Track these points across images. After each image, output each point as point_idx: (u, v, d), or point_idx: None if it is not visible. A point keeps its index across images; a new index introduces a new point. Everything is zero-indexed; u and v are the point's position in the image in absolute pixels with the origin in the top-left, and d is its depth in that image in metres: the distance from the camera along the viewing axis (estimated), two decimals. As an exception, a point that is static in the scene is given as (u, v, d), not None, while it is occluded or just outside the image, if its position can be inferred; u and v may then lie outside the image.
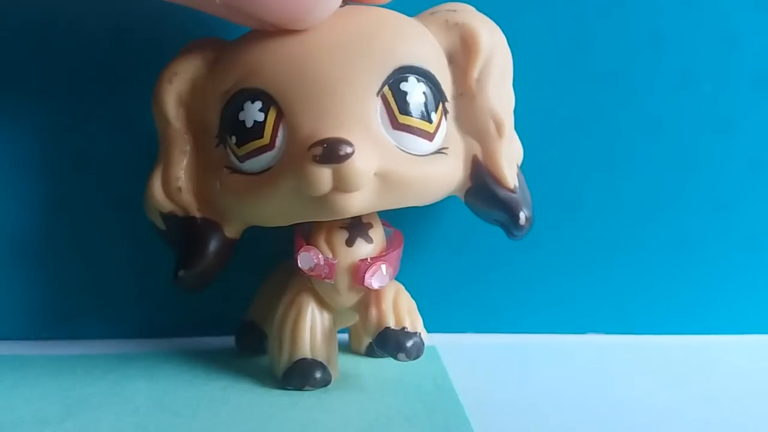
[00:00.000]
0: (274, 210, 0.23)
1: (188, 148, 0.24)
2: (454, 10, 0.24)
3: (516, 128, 0.25)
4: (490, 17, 0.24)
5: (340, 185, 0.21)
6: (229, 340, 0.29)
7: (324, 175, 0.21)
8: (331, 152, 0.21)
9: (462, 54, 0.24)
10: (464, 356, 0.28)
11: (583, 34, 0.29)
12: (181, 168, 0.24)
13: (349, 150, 0.21)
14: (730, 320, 0.31)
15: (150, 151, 0.25)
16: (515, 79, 0.25)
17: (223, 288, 0.29)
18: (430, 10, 0.24)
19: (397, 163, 0.22)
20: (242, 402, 0.23)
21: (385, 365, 0.27)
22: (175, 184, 0.24)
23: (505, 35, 0.24)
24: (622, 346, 0.30)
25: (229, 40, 0.24)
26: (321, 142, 0.21)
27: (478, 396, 0.24)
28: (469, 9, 0.24)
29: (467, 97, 0.24)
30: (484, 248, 0.30)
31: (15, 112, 0.28)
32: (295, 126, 0.22)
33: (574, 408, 0.24)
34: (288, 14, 0.21)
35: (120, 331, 0.30)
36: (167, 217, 0.25)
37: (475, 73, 0.24)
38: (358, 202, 0.22)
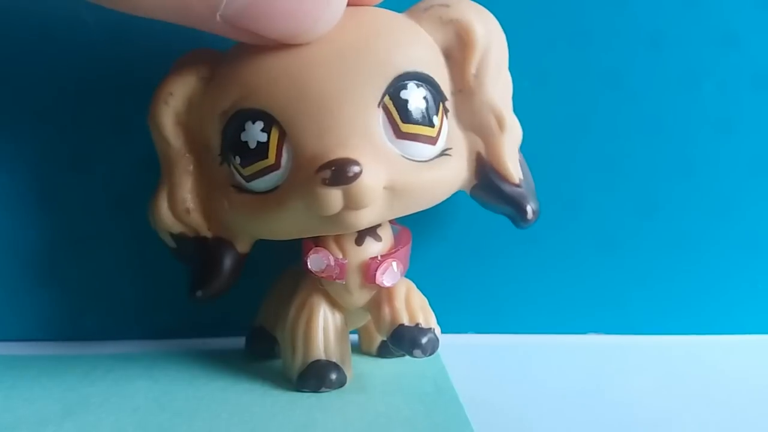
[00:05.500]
0: (285, 227, 0.23)
1: (191, 167, 0.24)
2: (447, 5, 0.23)
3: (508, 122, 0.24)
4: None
5: (351, 204, 0.21)
6: (229, 342, 0.29)
7: (334, 197, 0.21)
8: (340, 174, 0.20)
9: (458, 50, 0.23)
10: (464, 356, 0.28)
11: (583, 34, 0.29)
12: (187, 189, 0.24)
13: (357, 170, 0.20)
14: (730, 320, 0.31)
15: (151, 151, 0.25)
16: (515, 79, 0.25)
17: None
18: (422, 6, 0.24)
19: (404, 174, 0.22)
20: (242, 402, 0.23)
21: (385, 365, 0.27)
22: (182, 205, 0.24)
23: (505, 34, 0.24)
24: (622, 346, 0.30)
25: (221, 52, 0.24)
26: (328, 165, 0.21)
27: (478, 396, 0.24)
28: (464, 2, 0.24)
29: (466, 93, 0.24)
30: (484, 248, 0.30)
31: (15, 112, 0.28)
32: (298, 145, 0.21)
33: (574, 408, 0.24)
34: (292, 30, 0.21)
35: (120, 332, 0.30)
36: (177, 237, 0.24)
37: (472, 69, 0.23)
38: (369, 216, 0.22)
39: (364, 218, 0.22)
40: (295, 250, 0.25)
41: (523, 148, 0.25)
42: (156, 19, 0.21)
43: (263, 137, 0.22)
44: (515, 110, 0.25)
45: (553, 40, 0.29)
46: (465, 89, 0.24)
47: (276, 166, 0.22)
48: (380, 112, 0.22)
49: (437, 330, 0.23)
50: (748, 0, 0.29)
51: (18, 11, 0.27)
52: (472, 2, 0.24)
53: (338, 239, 0.24)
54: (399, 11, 0.24)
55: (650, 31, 0.29)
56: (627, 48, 0.29)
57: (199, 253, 0.24)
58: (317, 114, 0.21)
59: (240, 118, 0.22)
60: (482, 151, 0.24)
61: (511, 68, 0.25)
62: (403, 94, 0.22)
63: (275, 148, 0.22)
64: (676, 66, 0.29)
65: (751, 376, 0.27)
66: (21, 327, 0.29)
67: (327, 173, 0.20)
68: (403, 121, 0.22)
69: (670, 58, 0.29)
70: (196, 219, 0.24)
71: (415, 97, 0.22)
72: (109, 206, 0.29)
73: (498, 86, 0.24)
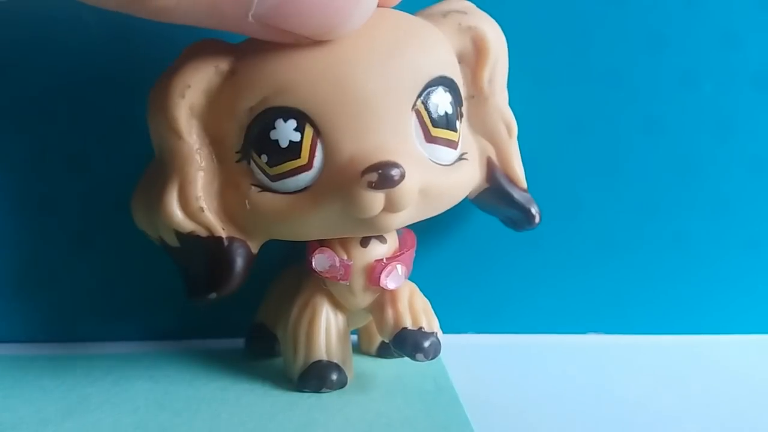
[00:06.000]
0: (314, 228, 0.23)
1: (204, 163, 0.23)
2: (465, 12, 0.24)
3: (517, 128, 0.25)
4: (491, 16, 0.24)
5: (391, 207, 0.21)
6: (229, 342, 0.29)
7: (378, 200, 0.21)
8: (386, 178, 0.20)
9: (473, 56, 0.24)
10: (464, 356, 0.28)
11: (583, 34, 0.29)
12: (200, 187, 0.23)
13: (402, 173, 0.20)
14: (730, 320, 0.31)
15: (152, 151, 0.25)
16: (516, 78, 0.25)
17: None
18: (439, 10, 0.24)
19: (434, 177, 0.22)
20: (242, 402, 0.23)
21: (385, 365, 0.27)
22: (196, 203, 0.23)
23: (505, 35, 0.25)
24: (622, 346, 0.30)
25: (237, 45, 0.23)
26: (374, 168, 0.20)
27: (478, 396, 0.24)
28: (478, 10, 0.24)
29: (478, 99, 0.24)
30: (484, 248, 0.30)
31: (15, 112, 0.28)
32: (334, 145, 0.21)
33: (574, 408, 0.24)
34: (324, 26, 0.20)
35: (120, 333, 0.30)
36: (186, 237, 0.23)
37: (486, 76, 0.24)
38: (402, 218, 0.22)
39: (398, 220, 0.22)
40: (295, 251, 0.25)
41: (524, 149, 0.25)
42: (187, 25, 0.21)
43: (296, 136, 0.21)
44: (516, 110, 0.25)
45: (553, 40, 0.29)
46: (477, 95, 0.24)
47: (308, 167, 0.22)
48: (413, 116, 0.22)
49: (440, 334, 0.23)
50: (748, 0, 0.29)
51: (19, 12, 0.27)
52: (483, 12, 0.24)
53: (343, 241, 0.24)
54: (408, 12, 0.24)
55: (650, 31, 0.29)
56: (627, 48, 0.29)
57: (212, 253, 0.23)
58: (357, 115, 0.21)
59: (270, 115, 0.22)
60: (493, 156, 0.25)
61: (511, 68, 0.25)
62: (434, 98, 0.22)
63: (308, 147, 0.21)
64: (676, 66, 0.29)
65: (751, 376, 0.27)
66: (20, 328, 0.29)
67: (374, 176, 0.20)
68: (434, 126, 0.22)
69: (670, 58, 0.29)
70: (210, 217, 0.23)
71: (444, 102, 0.22)
72: (108, 206, 0.29)
73: (504, 93, 0.25)
